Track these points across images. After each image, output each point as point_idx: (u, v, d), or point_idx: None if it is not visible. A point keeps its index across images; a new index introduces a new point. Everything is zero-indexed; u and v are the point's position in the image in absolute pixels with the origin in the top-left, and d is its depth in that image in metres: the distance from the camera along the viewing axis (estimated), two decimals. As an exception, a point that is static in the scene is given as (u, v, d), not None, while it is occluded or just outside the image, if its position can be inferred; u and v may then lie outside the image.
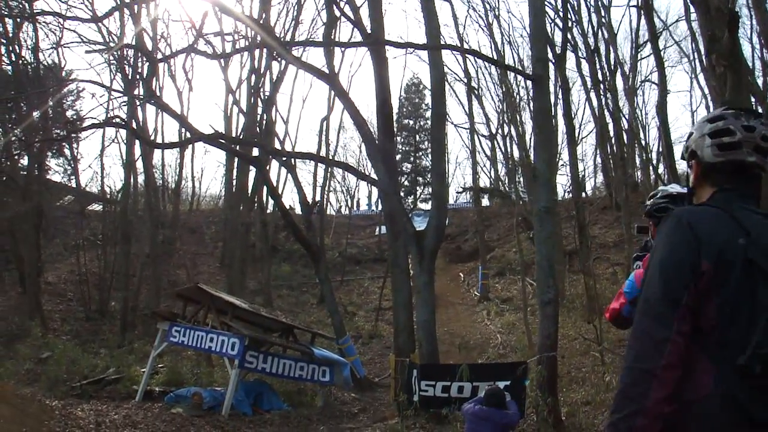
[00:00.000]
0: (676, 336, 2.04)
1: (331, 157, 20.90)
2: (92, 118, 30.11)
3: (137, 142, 27.00)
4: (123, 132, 28.82)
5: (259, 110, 27.64)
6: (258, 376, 16.23)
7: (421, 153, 48.92)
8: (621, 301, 3.30)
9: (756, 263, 2.03)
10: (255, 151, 23.08)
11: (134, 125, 23.20)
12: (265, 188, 26.76)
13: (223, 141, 19.35)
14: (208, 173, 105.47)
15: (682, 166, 26.72)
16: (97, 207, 35.56)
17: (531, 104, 34.54)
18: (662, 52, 29.20)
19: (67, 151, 33.53)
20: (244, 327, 15.35)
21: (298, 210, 29.41)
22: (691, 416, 2.04)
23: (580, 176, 30.59)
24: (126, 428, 11.87)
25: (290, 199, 70.24)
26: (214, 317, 15.38)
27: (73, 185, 35.20)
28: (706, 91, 31.26)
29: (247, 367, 14.72)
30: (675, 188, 3.54)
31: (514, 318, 22.93)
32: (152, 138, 29.51)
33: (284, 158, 21.11)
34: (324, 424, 14.24)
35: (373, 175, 14.98)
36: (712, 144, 2.33)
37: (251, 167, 26.89)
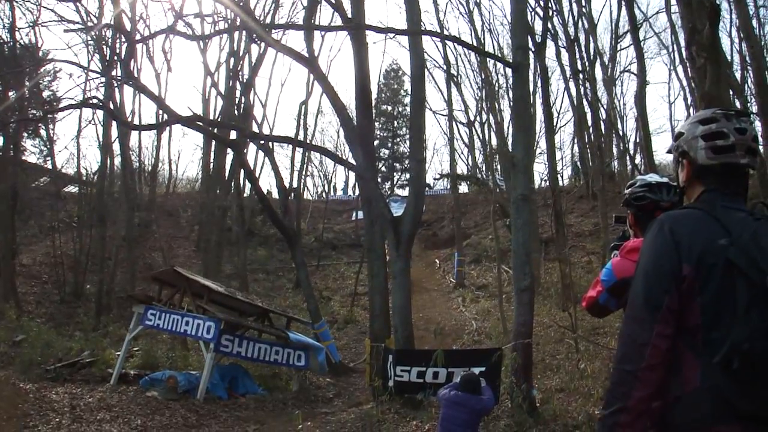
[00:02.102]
0: (657, 339, 2.14)
1: (309, 142, 20.71)
2: (69, 98, 29.62)
3: (114, 123, 26.72)
4: (100, 113, 28.58)
5: (238, 93, 27.48)
6: (233, 359, 16.20)
7: (398, 139, 48.92)
8: (598, 289, 3.30)
9: (735, 263, 2.09)
10: (233, 135, 22.95)
11: (111, 107, 22.87)
12: (242, 172, 26.64)
13: (200, 123, 19.20)
14: (185, 156, 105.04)
15: (659, 156, 27.01)
16: (73, 189, 35.13)
17: (510, 92, 34.79)
18: (642, 44, 29.34)
19: (43, 132, 33.07)
20: (220, 311, 15.33)
21: (275, 194, 29.35)
22: (679, 410, 2.14)
23: (558, 165, 30.74)
24: (101, 411, 11.84)
25: (267, 183, 70.06)
26: (190, 301, 15.32)
27: (49, 167, 34.66)
28: (685, 83, 31.62)
29: (222, 351, 14.71)
30: (654, 177, 3.54)
31: (489, 305, 23.05)
32: (129, 120, 29.15)
33: (262, 142, 20.97)
34: (299, 409, 14.24)
35: (351, 160, 14.92)
36: (706, 147, 2.37)
37: (229, 150, 26.73)
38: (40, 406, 11.64)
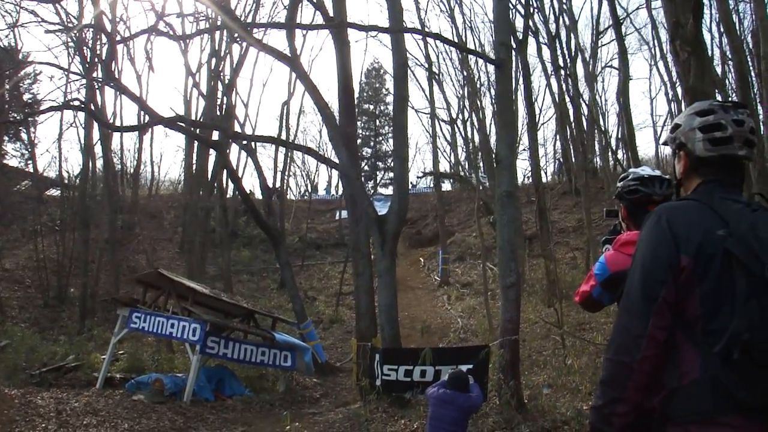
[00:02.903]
0: (654, 330, 2.17)
1: (292, 141, 20.57)
2: (51, 100, 29.46)
3: (96, 126, 26.53)
4: (81, 116, 28.32)
5: (219, 94, 27.35)
6: (219, 361, 16.14)
7: (381, 138, 48.94)
8: (591, 283, 3.30)
9: (733, 254, 2.10)
10: (215, 135, 22.84)
11: (93, 108, 22.68)
12: (225, 173, 26.51)
13: (182, 125, 19.07)
14: (167, 158, 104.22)
15: (643, 150, 27.16)
16: (55, 192, 34.84)
17: (492, 89, 34.89)
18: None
19: (24, 136, 32.84)
20: (205, 312, 15.28)
21: (257, 195, 29.24)
22: (679, 400, 2.16)
23: (540, 161, 30.81)
24: (87, 416, 11.73)
25: (250, 183, 69.83)
26: (175, 303, 15.23)
27: (31, 170, 34.48)
28: (666, 78, 31.87)
29: (208, 353, 14.65)
30: (646, 171, 3.54)
31: (475, 302, 23.10)
32: (111, 122, 28.93)
33: (245, 142, 20.88)
34: (286, 409, 14.19)
35: (335, 159, 14.89)
36: (703, 138, 2.38)
37: (211, 151, 26.67)
38: (26, 411, 11.51)
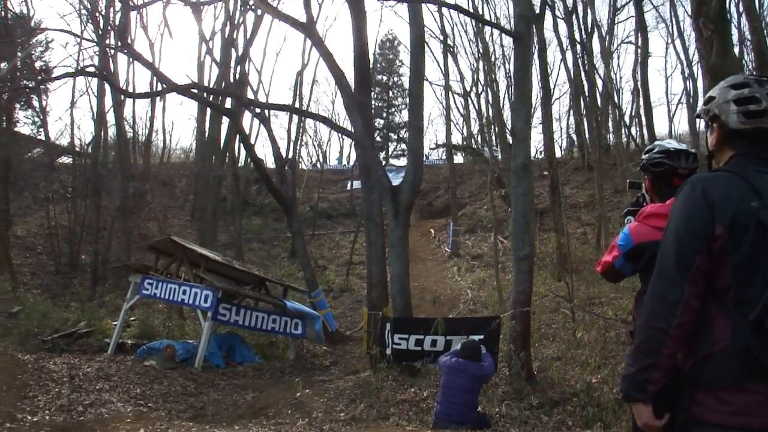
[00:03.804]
0: (689, 298, 2.20)
1: (306, 110, 20.46)
2: (65, 66, 29.39)
3: (108, 93, 26.51)
4: (94, 84, 28.39)
5: (233, 62, 27.19)
6: (230, 328, 16.25)
7: (393, 109, 48.63)
8: (614, 254, 3.30)
9: (767, 225, 2.13)
10: (228, 104, 22.77)
11: (107, 75, 22.59)
12: (237, 141, 26.50)
13: (196, 92, 19.02)
14: (178, 126, 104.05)
15: (656, 129, 26.94)
16: (66, 160, 34.87)
17: (506, 63, 34.64)
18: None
19: (36, 103, 32.78)
20: (217, 280, 15.32)
21: (269, 164, 29.26)
22: (709, 367, 2.19)
23: (554, 136, 30.62)
24: (99, 381, 11.83)
25: (262, 152, 69.53)
26: (187, 270, 15.30)
27: (43, 138, 34.46)
28: (682, 56, 31.49)
29: (219, 320, 14.72)
30: (672, 144, 3.52)
31: (485, 274, 23.14)
32: (124, 89, 28.84)
33: (258, 110, 20.81)
34: (296, 377, 14.30)
35: (349, 129, 14.83)
36: (738, 111, 2.38)
37: (224, 120, 26.61)
38: (39, 376, 11.62)
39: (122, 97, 26.60)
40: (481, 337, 9.84)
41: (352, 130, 14.27)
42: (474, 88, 34.75)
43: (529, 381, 9.88)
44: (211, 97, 21.31)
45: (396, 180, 14.52)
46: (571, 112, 34.33)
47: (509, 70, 32.60)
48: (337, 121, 43.14)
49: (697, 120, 30.76)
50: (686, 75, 31.81)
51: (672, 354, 2.24)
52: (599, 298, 16.35)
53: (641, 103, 30.40)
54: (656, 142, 3.64)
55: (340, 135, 47.50)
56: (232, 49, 27.07)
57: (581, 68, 26.18)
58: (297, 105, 30.57)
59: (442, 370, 7.86)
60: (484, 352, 8.24)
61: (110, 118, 29.37)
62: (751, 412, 2.09)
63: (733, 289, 2.17)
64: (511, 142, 20.37)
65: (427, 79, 38.33)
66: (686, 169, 3.38)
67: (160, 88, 23.24)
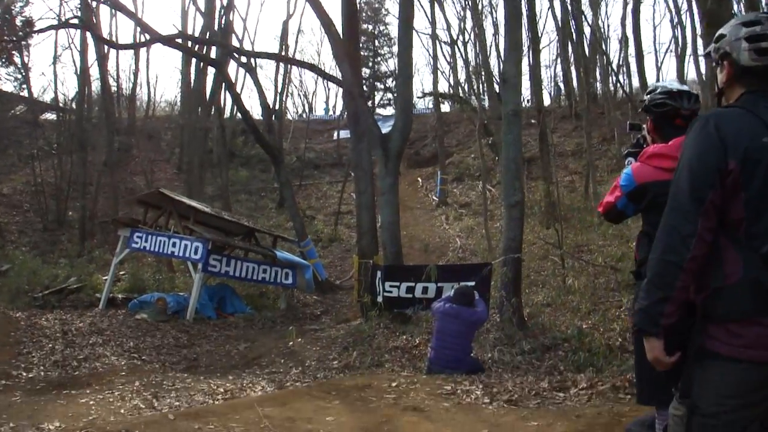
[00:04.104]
0: (702, 231, 2.22)
1: (294, 58, 20.16)
2: (48, 18, 28.77)
3: (91, 47, 26.07)
4: (77, 40, 27.84)
5: (218, 11, 26.66)
6: (221, 279, 16.28)
7: (380, 58, 48.03)
8: (616, 194, 3.37)
9: None
10: (213, 55, 22.41)
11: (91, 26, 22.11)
12: (222, 93, 26.21)
13: (182, 42, 18.70)
14: (162, 79, 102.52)
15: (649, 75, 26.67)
16: (50, 116, 34.42)
17: (493, 11, 34.22)
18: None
19: (17, 60, 32.13)
20: (206, 231, 15.27)
21: (255, 115, 28.95)
22: (721, 301, 2.22)
23: (542, 84, 30.44)
24: (92, 335, 11.91)
25: (248, 104, 68.72)
26: (176, 222, 15.25)
27: (25, 94, 33.93)
28: (671, 4, 31.19)
29: (210, 271, 14.74)
30: (674, 84, 3.53)
31: (473, 222, 23.21)
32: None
33: (244, 60, 20.52)
34: (287, 326, 14.38)
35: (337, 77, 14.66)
36: (749, 48, 2.37)
37: (209, 71, 26.30)
38: (32, 333, 11.67)
39: (106, 49, 26.17)
40: (473, 283, 9.87)
41: (341, 79, 14.12)
42: (461, 37, 34.43)
43: (520, 327, 9.91)
44: (196, 47, 20.98)
45: (383, 130, 14.40)
46: (559, 60, 34.04)
47: (497, 18, 32.36)
48: (329, 70, 42.73)
49: (685, 69, 30.86)
50: (674, 23, 31.59)
51: (685, 287, 2.26)
52: (587, 245, 16.44)
53: (632, 51, 30.19)
54: (658, 83, 3.64)
55: (326, 85, 47.04)
56: (217, -2, 26.52)
57: (569, 16, 25.88)
58: (283, 54, 30.16)
59: (436, 315, 7.90)
60: (477, 298, 8.28)
61: (94, 72, 28.98)
62: (762, 345, 2.12)
63: (745, 223, 2.20)
64: (498, 90, 20.24)
65: (413, 28, 38.01)
66: (688, 110, 3.41)
67: (144, 39, 22.79)
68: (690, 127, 2.41)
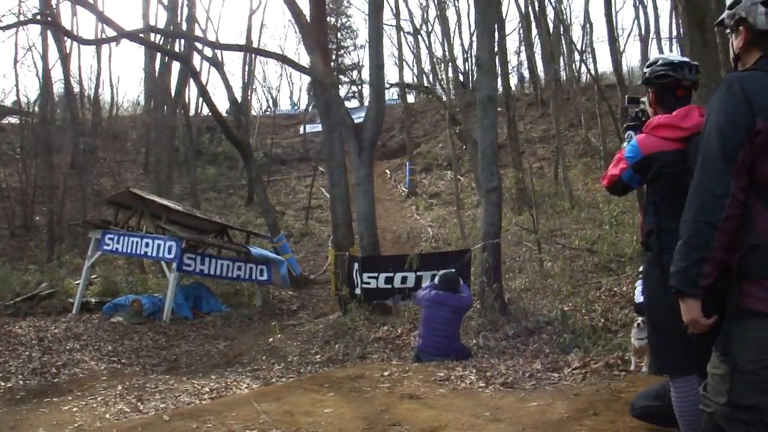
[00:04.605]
0: (735, 191, 2.26)
1: (264, 49, 19.72)
2: (12, 13, 28.08)
3: (53, 48, 25.55)
4: (38, 43, 27.31)
5: (180, 7, 26.19)
6: (195, 278, 16.12)
7: (342, 51, 47.83)
8: (621, 166, 3.39)
9: None
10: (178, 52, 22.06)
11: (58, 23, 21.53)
12: (187, 90, 25.84)
13: (147, 36, 18.30)
14: (125, 79, 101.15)
15: (604, 65, 26.71)
16: (13, 120, 33.69)
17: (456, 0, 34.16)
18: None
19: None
20: (179, 230, 15.08)
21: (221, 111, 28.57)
22: (756, 259, 2.27)
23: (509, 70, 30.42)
24: (69, 341, 11.80)
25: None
26: (148, 222, 15.05)
27: (-14, 99, 33.22)
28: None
29: (185, 270, 14.61)
30: (675, 56, 3.54)
31: (444, 212, 23.25)
32: (68, 42, 27.73)
33: (212, 52, 20.20)
34: (266, 323, 14.31)
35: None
36: (766, 12, 2.39)
37: (174, 69, 25.95)
38: (8, 341, 11.46)
39: (69, 49, 25.59)
40: (453, 271, 9.84)
41: (312, 69, 13.97)
42: (424, 27, 34.44)
43: (502, 312, 9.94)
44: (161, 41, 20.58)
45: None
46: (523, 46, 34.16)
47: (459, 7, 32.39)
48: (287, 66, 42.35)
49: (649, 52, 31.02)
50: (636, 3, 31.84)
51: (721, 247, 2.29)
52: (560, 230, 16.58)
53: (598, 36, 30.37)
54: (659, 55, 3.67)
55: (290, 79, 46.65)
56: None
57: (531, 3, 25.89)
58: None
59: (422, 304, 7.86)
60: (462, 284, 8.27)
61: (55, 74, 28.39)
62: None
63: None
64: (462, 79, 20.18)
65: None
66: (689, 81, 3.43)
67: (107, 36, 22.29)
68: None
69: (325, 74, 13.35)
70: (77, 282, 15.63)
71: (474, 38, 32.78)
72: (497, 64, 25.78)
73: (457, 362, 6.99)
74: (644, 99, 3.73)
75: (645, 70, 3.58)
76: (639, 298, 4.43)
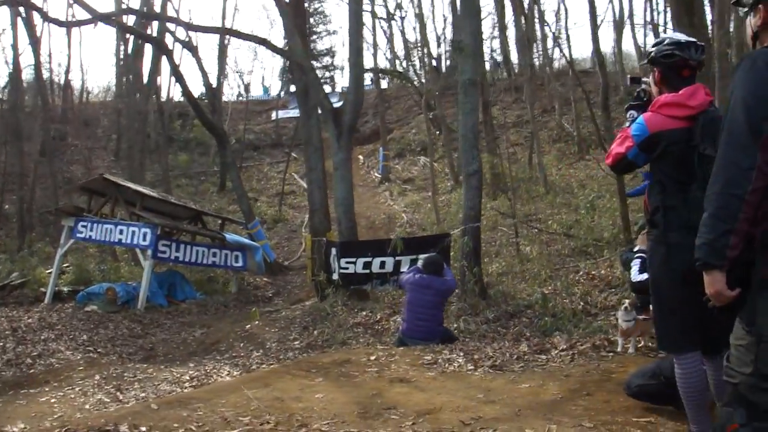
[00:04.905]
0: (761, 163, 2.27)
1: (242, 32, 19.25)
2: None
3: (22, 33, 25.06)
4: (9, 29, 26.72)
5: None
6: (169, 266, 15.93)
7: (315, 36, 47.41)
8: (627, 144, 3.42)
9: None
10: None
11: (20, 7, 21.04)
12: (159, 78, 25.43)
13: (120, 18, 17.93)
14: (95, 65, 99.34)
15: (582, 50, 26.78)
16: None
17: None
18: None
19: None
20: (153, 217, 14.87)
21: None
22: None
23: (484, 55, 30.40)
24: (43, 331, 11.60)
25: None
26: (122, 209, 14.82)
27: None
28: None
29: (160, 257, 14.45)
30: (682, 36, 3.57)
31: (418, 198, 23.27)
32: (36, 25, 27.14)
33: (190, 31, 19.83)
34: (241, 310, 14.21)
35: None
36: None
37: (146, 53, 25.62)
38: (-20, 332, 11.23)
39: (42, 29, 25.01)
40: (436, 254, 9.80)
41: (290, 52, 13.81)
42: (398, 11, 34.36)
43: (482, 296, 9.95)
44: (141, 21, 20.13)
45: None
46: (497, 31, 34.17)
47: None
48: (264, 50, 42.19)
49: (622, 38, 31.14)
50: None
51: (747, 219, 2.31)
52: (536, 214, 16.63)
53: (579, 20, 30.42)
54: (665, 35, 3.70)
55: (262, 64, 46.23)
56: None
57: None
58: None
59: (406, 287, 7.80)
60: (445, 267, 8.23)
61: (25, 60, 27.84)
62: None
63: None
64: (435, 64, 20.04)
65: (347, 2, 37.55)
66: (696, 61, 3.46)
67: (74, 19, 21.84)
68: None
69: (304, 57, 13.21)
70: (49, 271, 15.38)
71: (447, 23, 32.72)
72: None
73: (443, 346, 6.97)
74: (646, 79, 3.77)
75: (651, 49, 3.60)
76: (637, 276, 4.43)
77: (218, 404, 4.91)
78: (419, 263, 8.10)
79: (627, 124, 3.58)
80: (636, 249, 4.98)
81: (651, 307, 4.68)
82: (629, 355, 5.69)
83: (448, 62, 33.35)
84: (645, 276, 4.68)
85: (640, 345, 5.93)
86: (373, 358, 6.35)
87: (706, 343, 3.22)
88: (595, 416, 4.12)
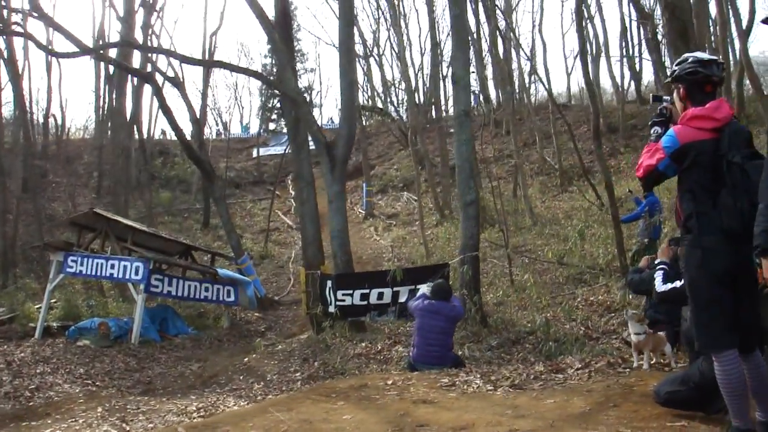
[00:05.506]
0: None
1: (235, 65, 19.27)
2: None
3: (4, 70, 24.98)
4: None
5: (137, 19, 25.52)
6: (160, 300, 15.84)
7: (297, 73, 47.96)
8: (659, 156, 3.62)
9: None
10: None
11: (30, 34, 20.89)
12: (142, 113, 25.40)
13: (106, 52, 17.94)
14: (73, 102, 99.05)
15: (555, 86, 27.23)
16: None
17: (407, 20, 34.47)
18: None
19: None
20: (145, 252, 14.81)
21: (170, 134, 28.33)
22: None
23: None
24: (38, 365, 11.45)
25: (163, 123, 66.63)
26: (113, 243, 14.74)
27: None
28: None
29: (152, 292, 14.36)
30: (704, 55, 3.80)
31: (404, 232, 23.37)
32: (21, 64, 27.12)
33: (173, 72, 19.90)
34: (236, 344, 14.16)
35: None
36: None
37: (128, 91, 25.59)
38: (-26, 366, 11.08)
39: (21, 69, 24.88)
40: (443, 280, 9.87)
41: (284, 86, 13.89)
42: (375, 49, 34.78)
43: (483, 324, 10.04)
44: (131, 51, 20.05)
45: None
46: (475, 68, 34.62)
47: (408, 28, 32.83)
48: (241, 89, 42.35)
49: (591, 73, 31.68)
50: (585, 25, 32.47)
51: None
52: (525, 245, 16.81)
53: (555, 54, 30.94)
54: (688, 54, 3.88)
55: (240, 103, 46.42)
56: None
57: (486, 23, 26.24)
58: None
59: (415, 314, 7.84)
60: (453, 293, 8.32)
61: (5, 97, 27.77)
62: None
63: None
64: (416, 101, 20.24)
65: (333, 44, 37.96)
66: (717, 77, 3.67)
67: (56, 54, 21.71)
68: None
69: (296, 91, 13.33)
70: (38, 306, 15.26)
71: (424, 58, 32.96)
72: (453, 82, 26.23)
73: (458, 369, 7.01)
74: (667, 97, 3.99)
75: (675, 68, 3.81)
76: (661, 287, 4.63)
77: (247, 427, 4.91)
78: (427, 290, 8.17)
79: (652, 138, 3.77)
80: (657, 261, 5.15)
81: (682, 312, 4.85)
82: (645, 371, 5.76)
83: (426, 96, 33.63)
84: (669, 286, 4.86)
85: (653, 362, 5.98)
86: (390, 382, 6.36)
87: (741, 342, 3.36)
88: (628, 423, 4.18)
